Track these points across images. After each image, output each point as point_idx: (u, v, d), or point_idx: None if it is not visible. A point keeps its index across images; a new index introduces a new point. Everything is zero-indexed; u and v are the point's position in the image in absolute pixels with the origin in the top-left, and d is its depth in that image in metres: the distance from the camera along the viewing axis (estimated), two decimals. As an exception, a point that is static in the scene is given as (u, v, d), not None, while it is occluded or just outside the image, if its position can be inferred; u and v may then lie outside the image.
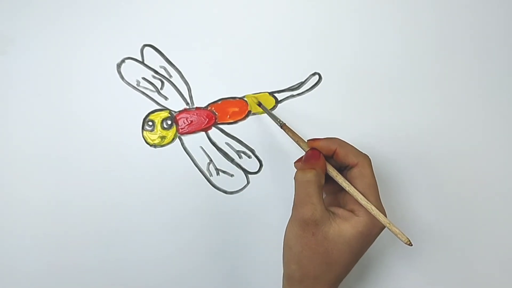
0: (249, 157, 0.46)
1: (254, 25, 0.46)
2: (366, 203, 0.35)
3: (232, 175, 0.46)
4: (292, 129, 0.42)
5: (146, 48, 0.46)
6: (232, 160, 0.46)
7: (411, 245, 0.34)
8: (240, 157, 0.46)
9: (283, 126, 0.42)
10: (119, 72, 0.46)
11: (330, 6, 0.46)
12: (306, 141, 0.40)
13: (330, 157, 0.39)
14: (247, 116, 0.46)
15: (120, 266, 0.46)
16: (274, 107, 0.46)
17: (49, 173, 0.46)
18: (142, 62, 0.46)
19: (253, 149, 0.46)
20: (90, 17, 0.46)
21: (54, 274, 0.46)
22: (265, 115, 0.46)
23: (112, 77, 0.46)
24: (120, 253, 0.46)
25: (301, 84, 0.46)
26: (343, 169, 0.39)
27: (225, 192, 0.46)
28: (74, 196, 0.46)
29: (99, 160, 0.46)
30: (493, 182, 0.47)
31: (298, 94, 0.46)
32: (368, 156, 0.38)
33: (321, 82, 0.46)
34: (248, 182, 0.46)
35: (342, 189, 0.39)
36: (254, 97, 0.46)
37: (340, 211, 0.37)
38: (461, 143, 0.47)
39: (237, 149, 0.46)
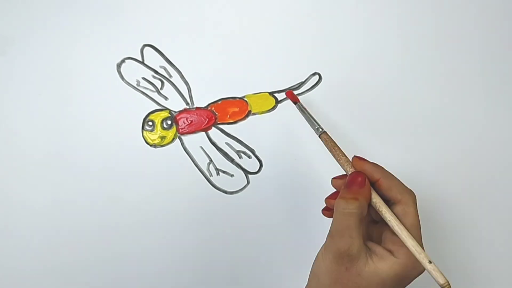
0: (249, 157, 0.46)
1: (254, 25, 0.46)
2: (414, 249, 0.32)
3: (232, 175, 0.46)
4: (333, 140, 0.38)
5: (146, 48, 0.46)
6: (232, 160, 0.46)
7: None
8: (240, 157, 0.46)
9: (322, 135, 0.39)
10: (119, 72, 0.46)
11: (330, 6, 0.46)
12: (349, 158, 0.37)
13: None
14: (247, 116, 0.46)
15: (120, 265, 0.46)
16: (274, 107, 0.46)
17: (49, 173, 0.46)
18: (142, 62, 0.46)
19: (253, 149, 0.46)
20: (90, 17, 0.46)
21: (54, 274, 0.46)
22: (265, 115, 0.46)
23: (112, 77, 0.46)
24: (120, 253, 0.46)
25: (301, 84, 0.46)
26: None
27: (225, 192, 0.46)
28: (74, 196, 0.46)
29: (99, 160, 0.46)
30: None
31: (298, 94, 0.46)
32: (413, 193, 0.35)
33: (321, 82, 0.46)
34: (248, 182, 0.46)
35: (377, 221, 0.37)
36: (292, 94, 0.43)
37: (378, 248, 0.34)
38: (464, 144, 0.47)
39: (237, 149, 0.46)
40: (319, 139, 0.39)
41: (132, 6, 0.46)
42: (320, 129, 0.39)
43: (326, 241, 0.35)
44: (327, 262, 0.33)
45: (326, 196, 0.38)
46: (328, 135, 0.38)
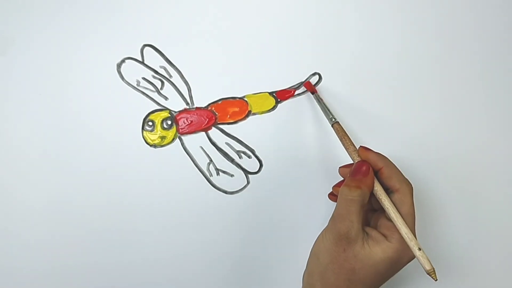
0: (249, 157, 0.46)
1: (254, 25, 0.46)
2: (406, 235, 0.35)
3: (232, 175, 0.46)
4: (344, 130, 0.41)
5: (146, 48, 0.46)
6: (232, 160, 0.46)
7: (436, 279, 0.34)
8: (240, 157, 0.46)
9: (334, 124, 0.41)
10: (119, 72, 0.46)
11: (330, 6, 0.46)
12: (356, 147, 0.39)
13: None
14: (247, 116, 0.46)
15: (119, 266, 0.46)
16: (274, 107, 0.46)
17: (49, 173, 0.46)
18: (142, 62, 0.46)
19: (253, 149, 0.46)
20: (90, 17, 0.46)
21: (54, 274, 0.46)
22: (265, 115, 0.46)
23: (112, 77, 0.46)
24: (119, 253, 0.46)
25: (301, 84, 0.46)
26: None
27: (225, 192, 0.46)
28: (73, 196, 0.46)
29: (99, 160, 0.46)
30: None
31: (298, 94, 0.46)
32: (410, 184, 0.37)
33: (321, 82, 0.46)
34: (248, 182, 0.46)
35: (375, 210, 0.40)
36: (310, 84, 0.45)
37: (373, 232, 0.36)
38: (464, 145, 0.47)
39: (237, 149, 0.46)
40: (332, 128, 0.42)
41: (132, 6, 0.46)
42: (334, 119, 0.42)
43: (328, 223, 0.38)
44: (327, 243, 0.36)
45: (333, 185, 0.41)
46: (340, 125, 0.41)
